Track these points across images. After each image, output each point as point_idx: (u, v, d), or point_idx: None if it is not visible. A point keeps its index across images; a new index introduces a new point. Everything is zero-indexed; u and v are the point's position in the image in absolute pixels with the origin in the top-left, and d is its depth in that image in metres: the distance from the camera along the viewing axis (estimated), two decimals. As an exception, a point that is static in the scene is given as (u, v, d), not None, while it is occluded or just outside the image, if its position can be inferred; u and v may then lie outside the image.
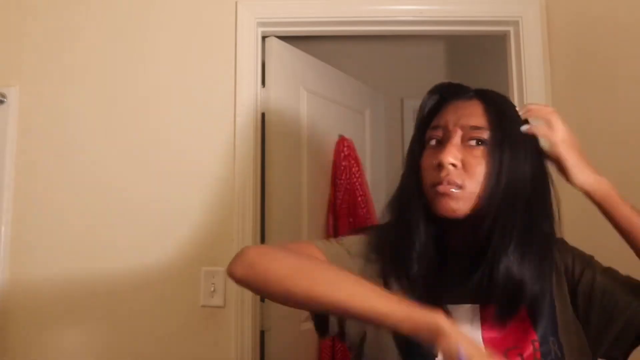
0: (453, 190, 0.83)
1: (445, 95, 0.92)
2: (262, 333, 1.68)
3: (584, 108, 1.60)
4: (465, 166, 0.84)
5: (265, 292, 0.81)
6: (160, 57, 1.68)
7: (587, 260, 0.90)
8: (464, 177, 0.83)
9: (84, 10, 1.71)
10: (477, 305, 0.85)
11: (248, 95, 1.66)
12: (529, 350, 0.81)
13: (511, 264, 0.80)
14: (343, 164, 2.11)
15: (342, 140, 2.15)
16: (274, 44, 1.81)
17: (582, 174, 0.87)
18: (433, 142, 0.88)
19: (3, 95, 1.65)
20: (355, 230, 0.99)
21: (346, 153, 2.13)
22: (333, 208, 2.07)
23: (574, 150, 0.88)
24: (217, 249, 1.60)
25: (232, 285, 1.58)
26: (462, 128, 0.86)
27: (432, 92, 0.93)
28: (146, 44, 1.69)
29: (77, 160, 1.65)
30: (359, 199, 2.16)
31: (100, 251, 1.61)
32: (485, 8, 1.69)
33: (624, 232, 0.85)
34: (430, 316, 0.70)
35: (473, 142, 0.85)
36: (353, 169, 2.14)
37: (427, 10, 1.71)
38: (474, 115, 0.87)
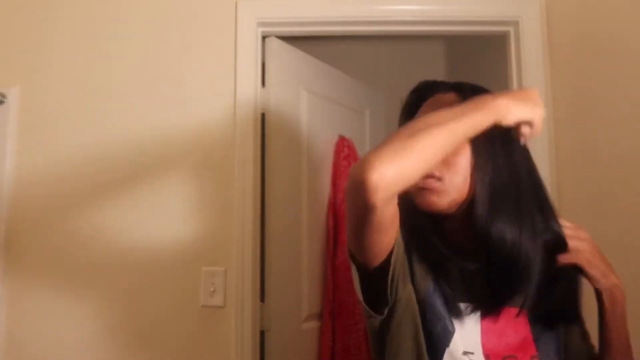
0: (430, 182, 0.84)
1: (423, 92, 0.94)
2: (262, 333, 1.68)
3: (584, 108, 1.60)
4: (443, 159, 0.82)
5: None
6: (160, 57, 1.68)
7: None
8: (442, 168, 0.84)
9: (84, 11, 1.71)
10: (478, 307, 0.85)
11: (248, 95, 1.66)
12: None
13: (505, 227, 0.82)
14: (343, 164, 2.11)
15: (342, 140, 2.15)
16: (274, 44, 1.81)
17: (605, 279, 0.87)
18: None
19: (3, 95, 1.65)
20: None
21: (346, 153, 2.13)
22: (333, 208, 2.07)
23: (599, 258, 0.88)
24: (217, 249, 1.60)
25: (232, 285, 1.58)
26: None
27: (412, 91, 0.96)
28: (146, 43, 1.69)
29: (78, 161, 1.65)
30: (359, 198, 2.15)
31: (100, 251, 1.61)
32: (485, 8, 1.69)
33: (605, 336, 0.88)
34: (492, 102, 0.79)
35: None
36: (353, 169, 2.14)
37: (427, 10, 1.71)
38: (450, 106, 0.85)
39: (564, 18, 1.66)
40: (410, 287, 0.85)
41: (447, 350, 0.81)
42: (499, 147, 0.86)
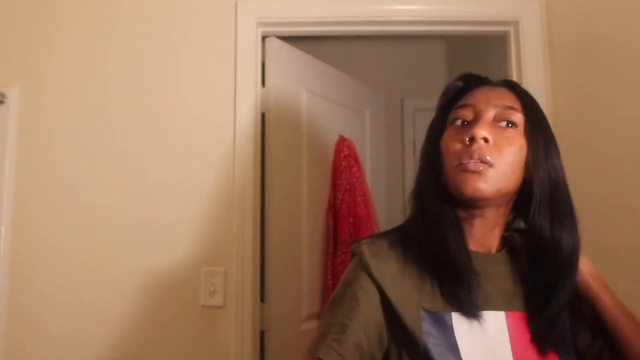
0: (482, 167, 0.78)
1: (471, 81, 0.90)
2: (262, 333, 1.68)
3: (584, 108, 1.60)
4: (496, 144, 0.80)
5: None
6: (160, 57, 1.68)
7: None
8: (495, 154, 0.79)
9: (84, 11, 1.71)
10: (503, 312, 0.80)
11: (248, 95, 1.66)
12: None
13: (564, 231, 0.81)
14: (343, 164, 2.11)
15: (342, 140, 2.15)
16: (274, 44, 1.81)
17: (609, 301, 0.85)
18: (458, 122, 0.84)
19: (3, 95, 1.65)
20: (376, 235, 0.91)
21: (346, 153, 2.13)
22: (333, 208, 2.07)
23: (601, 283, 0.85)
24: (217, 249, 1.60)
25: (232, 285, 1.58)
26: (495, 107, 0.83)
27: (457, 79, 0.90)
28: (146, 43, 1.69)
29: (77, 161, 1.65)
30: (359, 199, 2.16)
31: (100, 251, 1.61)
32: (485, 8, 1.69)
33: (608, 317, 0.84)
34: None
35: (504, 124, 0.82)
36: (353, 169, 2.14)
37: (427, 10, 1.71)
38: (507, 97, 0.85)
39: (564, 18, 1.66)
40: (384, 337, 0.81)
41: None
42: (554, 146, 0.86)
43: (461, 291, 0.78)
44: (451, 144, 0.83)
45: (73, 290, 1.60)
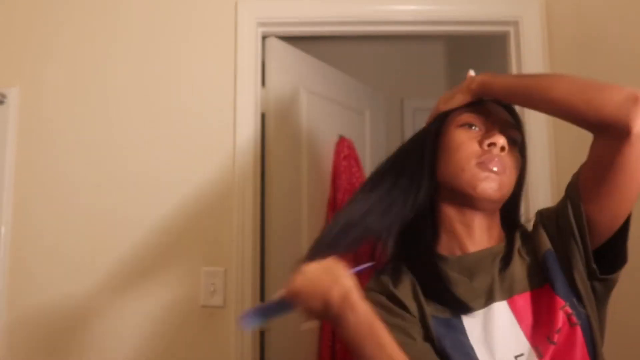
0: (500, 171, 0.85)
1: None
2: (262, 333, 1.68)
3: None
4: (507, 156, 0.87)
5: None
6: (160, 57, 1.68)
7: (556, 208, 0.91)
8: (507, 164, 0.86)
9: (84, 11, 1.71)
10: (505, 302, 0.83)
11: (248, 95, 1.66)
12: (562, 320, 0.78)
13: None
14: (343, 164, 2.11)
15: (342, 140, 2.15)
16: (274, 44, 1.81)
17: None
18: (472, 128, 0.89)
19: (3, 95, 1.65)
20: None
21: (346, 153, 2.13)
22: (333, 208, 2.07)
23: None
24: (217, 249, 1.60)
25: (232, 285, 1.58)
26: (504, 122, 0.90)
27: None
28: (146, 44, 1.69)
29: (78, 161, 1.65)
30: (359, 199, 2.15)
31: (100, 250, 1.61)
32: (485, 8, 1.69)
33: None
34: None
35: (510, 140, 0.89)
36: (353, 169, 2.14)
37: (427, 11, 1.71)
38: (508, 116, 0.92)
39: (564, 18, 1.66)
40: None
41: None
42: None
43: (446, 296, 0.83)
44: (466, 143, 0.87)
45: (72, 290, 1.59)
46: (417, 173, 0.90)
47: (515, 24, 1.68)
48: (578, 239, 0.82)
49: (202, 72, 1.67)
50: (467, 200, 0.86)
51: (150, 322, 1.58)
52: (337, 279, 0.75)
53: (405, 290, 0.86)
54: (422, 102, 2.72)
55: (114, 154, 1.65)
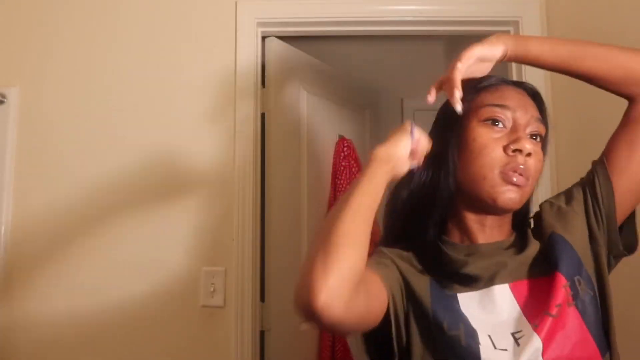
0: (524, 183, 0.81)
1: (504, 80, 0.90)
2: (262, 333, 1.68)
3: (584, 108, 1.60)
4: (532, 159, 0.83)
5: None
6: (160, 57, 1.68)
7: (570, 190, 0.92)
8: (532, 170, 0.82)
9: (84, 11, 1.71)
10: (507, 284, 0.82)
11: (248, 95, 1.66)
12: (562, 297, 0.78)
13: None
14: (343, 164, 2.11)
15: (342, 140, 2.15)
16: (274, 44, 1.81)
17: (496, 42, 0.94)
18: (499, 125, 0.84)
19: (3, 95, 1.65)
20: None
21: (346, 153, 2.13)
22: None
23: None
24: (217, 249, 1.60)
25: (232, 285, 1.58)
26: (531, 117, 0.85)
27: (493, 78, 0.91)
28: (146, 44, 1.69)
29: (77, 161, 1.65)
30: (359, 199, 2.15)
31: (100, 250, 1.61)
32: (485, 8, 1.69)
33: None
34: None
35: (535, 136, 0.85)
36: (353, 169, 2.14)
37: (427, 10, 1.71)
38: (535, 107, 0.87)
39: (563, 18, 1.66)
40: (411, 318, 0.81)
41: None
42: None
43: (446, 268, 0.85)
44: (490, 146, 0.82)
45: (71, 290, 1.59)
46: (442, 174, 0.87)
47: (515, 23, 1.68)
48: (604, 211, 0.85)
49: (202, 72, 1.67)
50: (484, 206, 0.84)
51: (150, 322, 1.58)
52: (391, 143, 0.82)
53: (406, 261, 0.87)
54: (422, 102, 2.72)
55: (114, 154, 1.64)
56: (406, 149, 0.83)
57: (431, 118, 0.97)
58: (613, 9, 1.62)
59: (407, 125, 0.85)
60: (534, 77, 1.63)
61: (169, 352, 1.57)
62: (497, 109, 0.84)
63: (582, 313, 0.77)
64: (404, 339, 0.79)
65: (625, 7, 1.61)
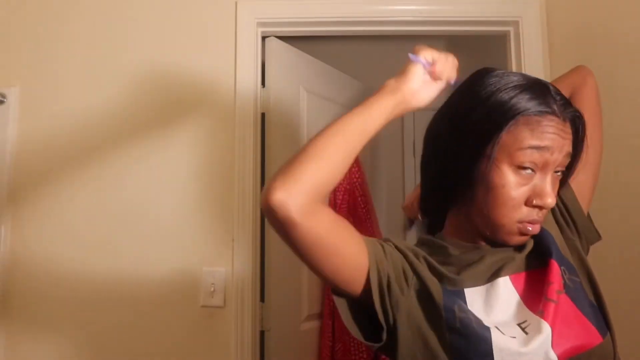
0: (536, 231, 0.82)
1: (540, 92, 0.79)
2: (262, 333, 1.68)
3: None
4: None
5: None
6: (159, 57, 1.68)
7: None
8: (544, 217, 0.83)
9: (84, 11, 1.71)
10: (507, 277, 0.82)
11: (248, 95, 1.66)
12: (560, 284, 0.79)
13: None
14: (343, 164, 2.11)
15: (342, 140, 2.14)
16: (274, 44, 1.81)
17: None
18: (528, 171, 0.78)
19: (3, 95, 1.65)
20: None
21: (346, 153, 2.13)
22: (333, 208, 2.06)
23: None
24: (217, 249, 1.60)
25: (232, 285, 1.58)
26: (562, 161, 0.80)
27: (536, 95, 0.79)
28: (146, 44, 1.69)
29: (77, 160, 1.65)
30: (359, 199, 2.16)
31: (100, 250, 1.61)
32: (485, 8, 1.69)
33: None
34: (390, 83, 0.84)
35: (557, 172, 0.81)
36: (353, 169, 2.14)
37: (427, 10, 1.71)
38: (570, 139, 0.80)
39: (563, 18, 1.66)
40: (412, 295, 0.80)
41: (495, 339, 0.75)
42: None
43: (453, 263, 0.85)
44: (517, 199, 0.79)
45: (71, 291, 1.59)
46: (458, 187, 0.86)
47: (515, 23, 1.68)
48: (572, 214, 0.91)
49: (202, 72, 1.67)
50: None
51: (151, 322, 1.58)
52: (402, 75, 0.85)
53: (418, 256, 0.86)
54: (422, 102, 2.71)
55: (114, 154, 1.64)
56: (418, 81, 0.85)
57: (431, 118, 0.96)
58: (613, 9, 1.62)
59: (411, 58, 0.87)
60: (532, 67, 1.62)
61: (169, 352, 1.57)
62: (535, 153, 0.77)
63: (574, 299, 0.79)
64: (391, 317, 0.79)
65: (625, 7, 1.61)
